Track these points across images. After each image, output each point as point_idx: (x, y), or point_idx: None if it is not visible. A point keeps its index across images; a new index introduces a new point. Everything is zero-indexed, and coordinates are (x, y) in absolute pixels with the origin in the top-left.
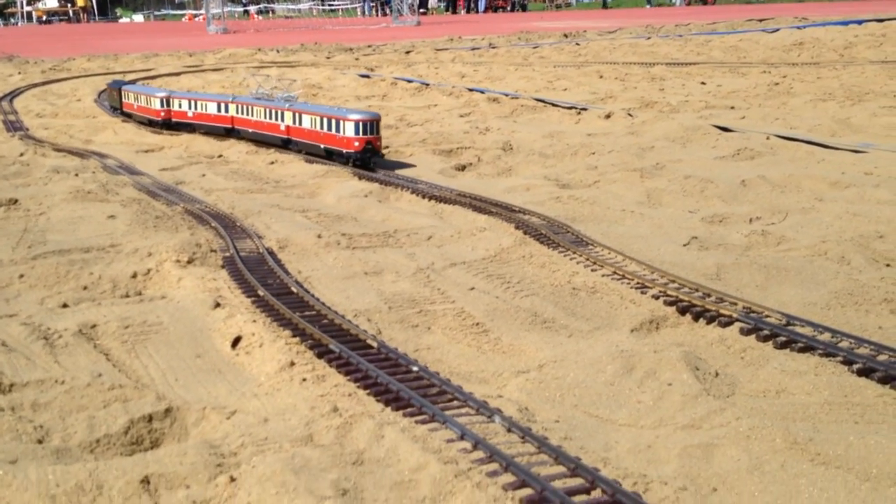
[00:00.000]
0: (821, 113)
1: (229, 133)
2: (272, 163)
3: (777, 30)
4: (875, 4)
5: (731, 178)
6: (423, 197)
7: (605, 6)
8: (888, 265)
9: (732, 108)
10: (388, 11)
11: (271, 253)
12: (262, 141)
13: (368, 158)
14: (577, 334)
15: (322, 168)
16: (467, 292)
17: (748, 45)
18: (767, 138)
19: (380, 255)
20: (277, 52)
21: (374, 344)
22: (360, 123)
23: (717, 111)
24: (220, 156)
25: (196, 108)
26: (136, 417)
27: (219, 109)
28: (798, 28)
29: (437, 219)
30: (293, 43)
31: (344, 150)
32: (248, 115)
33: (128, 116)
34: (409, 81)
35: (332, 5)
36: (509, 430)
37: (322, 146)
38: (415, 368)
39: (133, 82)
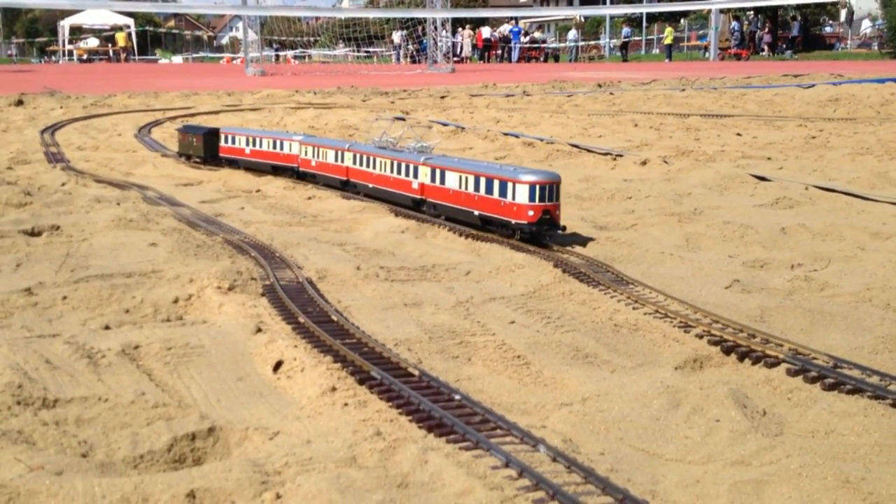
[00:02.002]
0: (859, 166)
1: (344, 186)
2: (310, 198)
3: (813, 85)
4: None
5: (771, 225)
6: (460, 235)
7: (625, 60)
8: None
9: (769, 158)
10: (421, 59)
11: (311, 283)
12: (386, 200)
13: (544, 233)
14: (620, 370)
15: (359, 204)
16: (507, 326)
17: (783, 99)
18: (806, 188)
19: (418, 288)
20: (314, 94)
21: (416, 372)
22: (537, 187)
23: (753, 161)
24: (258, 190)
25: (318, 155)
26: (180, 435)
27: (336, 158)
28: (834, 84)
29: (475, 255)
30: (329, 86)
31: (512, 221)
32: (367, 166)
33: (232, 164)
34: (445, 125)
35: (367, 52)
36: (554, 460)
37: (477, 213)
38: (457, 397)
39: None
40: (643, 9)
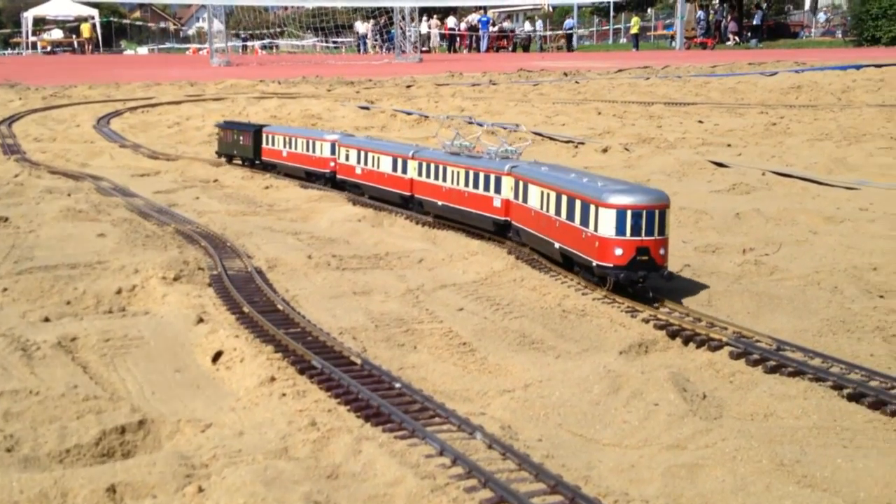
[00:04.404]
0: (817, 152)
1: (407, 203)
2: (267, 187)
3: (775, 73)
4: (872, 51)
5: (726, 210)
6: (417, 223)
7: (569, 50)
8: (882, 296)
9: (729, 145)
10: (386, 49)
11: (260, 272)
12: (460, 222)
13: (641, 279)
14: (565, 355)
15: (317, 193)
16: (456, 313)
17: (746, 87)
18: (763, 174)
19: (370, 276)
20: (279, 83)
21: (358, 361)
22: (629, 213)
23: (713, 148)
24: (215, 180)
25: (366, 161)
26: (109, 429)
27: (394, 168)
28: (796, 72)
29: (430, 243)
30: (295, 76)
31: (594, 262)
32: (437, 178)
33: (271, 168)
34: (409, 113)
35: (336, 42)
36: (490, 447)
37: (557, 245)
38: (398, 385)
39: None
40: None
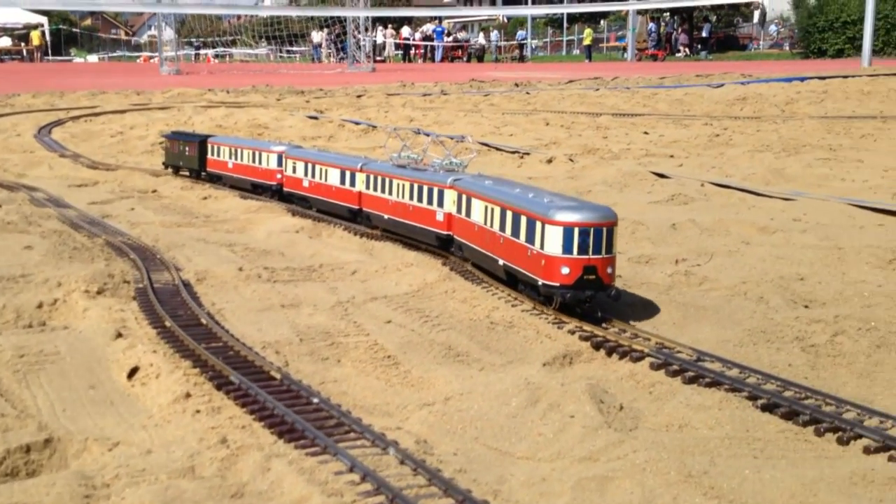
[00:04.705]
0: (757, 163)
1: (356, 217)
2: (206, 198)
3: (722, 85)
4: (818, 64)
5: (663, 220)
6: (356, 234)
7: (521, 61)
8: (806, 306)
9: (672, 156)
10: (342, 58)
11: (187, 285)
12: (406, 236)
13: (588, 299)
14: (489, 368)
15: (255, 204)
16: (383, 325)
17: (693, 98)
18: (702, 185)
19: (301, 288)
20: (227, 92)
21: (278, 375)
22: (576, 231)
23: (656, 159)
24: (154, 191)
25: (314, 174)
26: (14, 448)
27: (342, 180)
28: (742, 84)
29: (367, 255)
30: (245, 85)
31: (540, 281)
32: (384, 191)
33: (217, 180)
34: (357, 123)
35: (290, 51)
36: (402, 463)
37: (501, 262)
38: (315, 400)
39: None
40: (563, 9)
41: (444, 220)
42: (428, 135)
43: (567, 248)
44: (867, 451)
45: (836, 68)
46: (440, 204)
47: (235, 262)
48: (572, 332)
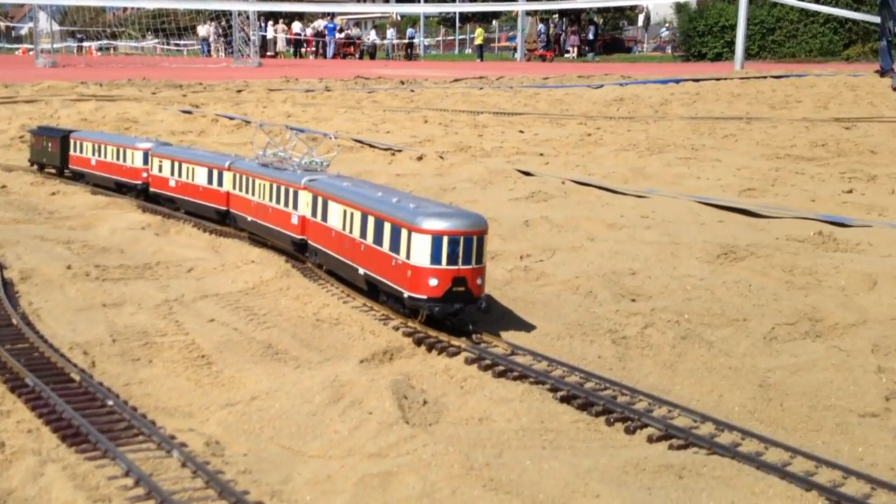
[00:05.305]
0: (620, 162)
1: (224, 219)
2: (54, 194)
3: (602, 86)
4: (697, 67)
5: (517, 217)
6: (204, 231)
7: (409, 59)
8: (633, 300)
9: (541, 154)
10: (227, 53)
11: (9, 284)
12: (266, 238)
13: (456, 312)
14: (305, 365)
15: (104, 200)
16: (205, 324)
17: (573, 98)
18: (563, 182)
19: (130, 287)
20: (101, 85)
21: (77, 378)
22: (446, 240)
23: (526, 157)
24: (3, 186)
25: (180, 173)
26: None
27: (210, 180)
28: (621, 85)
29: (211, 252)
30: (122, 78)
31: (406, 293)
32: (248, 192)
33: (80, 178)
34: (231, 118)
35: (177, 45)
36: (183, 465)
37: (362, 272)
38: (110, 402)
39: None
40: (456, 8)
41: (298, 223)
42: (302, 131)
43: (436, 258)
44: (650, 439)
45: (712, 71)
46: (294, 206)
47: (67, 260)
48: (396, 329)
